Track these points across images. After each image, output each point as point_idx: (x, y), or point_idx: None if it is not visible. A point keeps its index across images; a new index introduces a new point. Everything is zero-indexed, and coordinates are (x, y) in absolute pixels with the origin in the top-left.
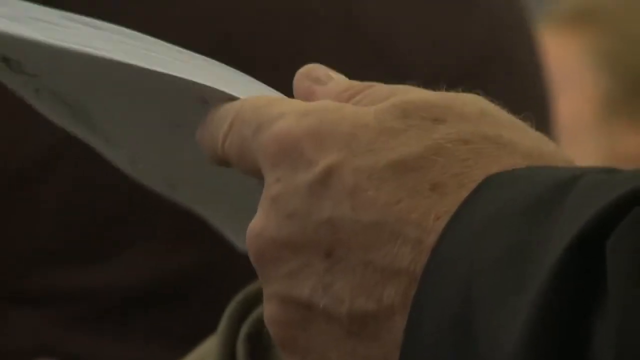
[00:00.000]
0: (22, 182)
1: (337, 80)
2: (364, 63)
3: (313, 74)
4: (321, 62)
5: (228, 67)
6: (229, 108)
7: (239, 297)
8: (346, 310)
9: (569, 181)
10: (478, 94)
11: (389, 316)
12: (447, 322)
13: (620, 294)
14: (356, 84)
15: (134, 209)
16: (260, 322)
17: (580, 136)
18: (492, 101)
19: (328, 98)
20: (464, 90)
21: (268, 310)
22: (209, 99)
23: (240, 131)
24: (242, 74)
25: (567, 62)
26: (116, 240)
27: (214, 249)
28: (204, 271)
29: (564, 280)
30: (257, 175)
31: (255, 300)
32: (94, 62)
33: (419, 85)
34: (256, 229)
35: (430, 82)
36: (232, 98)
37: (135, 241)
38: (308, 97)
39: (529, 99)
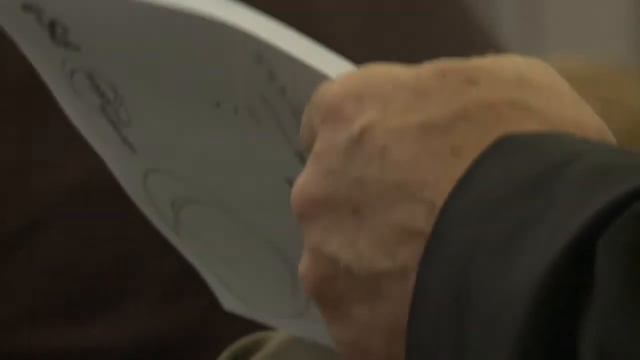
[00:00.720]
0: (6, 247)
1: None
2: None
3: None
4: None
5: (285, 27)
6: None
7: (225, 353)
8: (365, 267)
9: (573, 157)
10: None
11: (403, 275)
12: (451, 286)
13: (604, 293)
14: None
15: (119, 272)
16: None
17: None
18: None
19: None
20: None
21: (302, 262)
22: (264, 53)
23: (308, 114)
24: (298, 35)
25: None
26: (101, 302)
27: (201, 309)
28: (190, 332)
29: (559, 279)
30: None
31: (243, 355)
32: (147, 8)
33: None
34: (299, 185)
35: None
36: (288, 54)
37: (121, 303)
38: None
39: None
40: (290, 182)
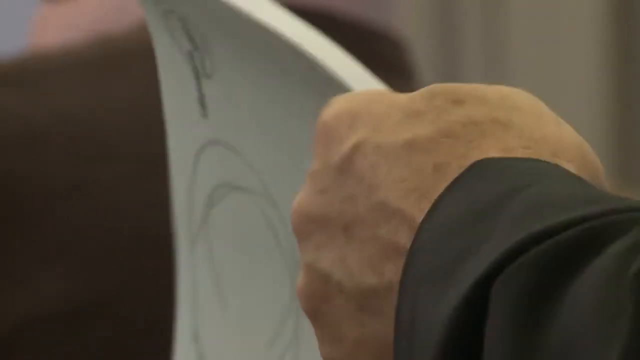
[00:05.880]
0: None
1: None
2: None
3: None
4: None
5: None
6: None
7: None
8: (355, 284)
9: (520, 189)
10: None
11: (389, 291)
12: (410, 308)
13: (489, 342)
14: None
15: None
16: None
17: None
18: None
19: None
20: None
21: (299, 280)
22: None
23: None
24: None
25: None
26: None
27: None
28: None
29: (462, 317)
30: None
31: None
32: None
33: None
34: (296, 204)
35: None
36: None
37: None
38: None
39: None
40: None
